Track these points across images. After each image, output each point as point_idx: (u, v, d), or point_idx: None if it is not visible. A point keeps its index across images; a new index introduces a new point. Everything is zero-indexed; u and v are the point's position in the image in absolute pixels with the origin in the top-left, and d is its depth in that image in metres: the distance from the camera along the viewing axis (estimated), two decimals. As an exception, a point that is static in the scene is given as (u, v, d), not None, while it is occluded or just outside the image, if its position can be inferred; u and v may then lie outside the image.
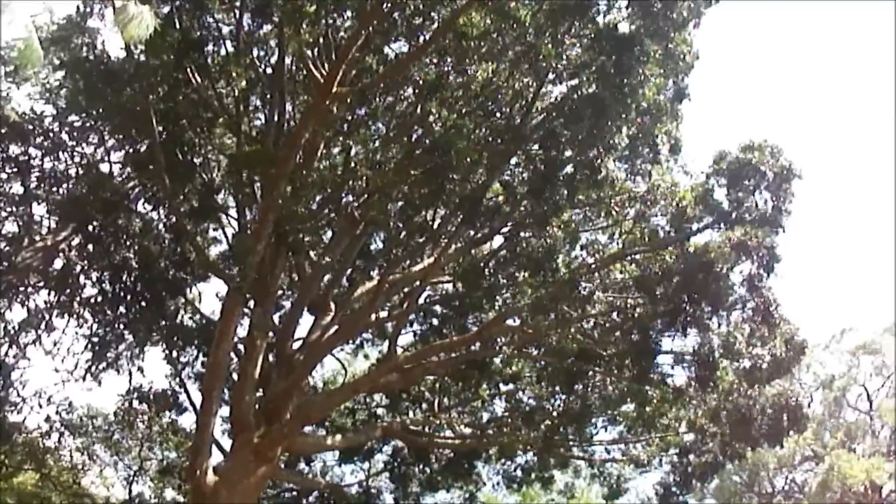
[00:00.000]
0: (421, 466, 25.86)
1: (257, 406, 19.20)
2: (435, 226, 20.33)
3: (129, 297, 21.18)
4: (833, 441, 43.96)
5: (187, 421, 25.33)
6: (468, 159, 17.19)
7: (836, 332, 47.10)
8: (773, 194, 18.42)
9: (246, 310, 20.03)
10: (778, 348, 18.71)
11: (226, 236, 22.09)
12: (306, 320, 21.40)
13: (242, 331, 20.21)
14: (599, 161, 18.03)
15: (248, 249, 17.69)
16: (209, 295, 24.47)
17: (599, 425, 23.23)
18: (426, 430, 24.11)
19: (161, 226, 21.69)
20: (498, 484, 26.34)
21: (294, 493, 26.53)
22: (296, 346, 20.92)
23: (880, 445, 44.69)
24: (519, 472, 25.22)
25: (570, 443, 23.36)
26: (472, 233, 20.35)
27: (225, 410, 21.77)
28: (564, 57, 18.26)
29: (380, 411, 26.14)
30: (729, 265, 18.20)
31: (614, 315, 19.58)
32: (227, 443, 20.16)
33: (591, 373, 20.61)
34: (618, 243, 20.06)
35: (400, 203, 19.66)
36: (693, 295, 18.16)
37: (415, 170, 18.05)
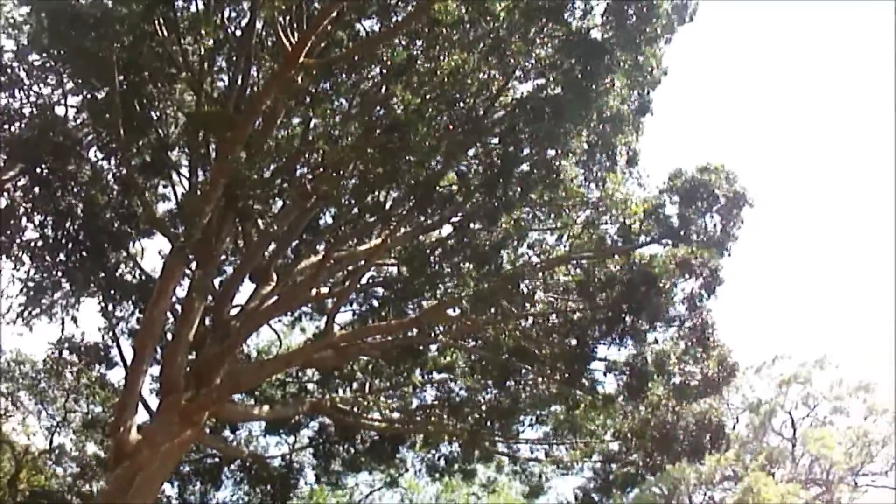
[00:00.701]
0: (345, 446, 25.86)
1: (188, 369, 19.01)
2: (386, 207, 20.26)
3: (70, 245, 20.81)
4: (754, 463, 44.64)
5: (116, 376, 25.10)
6: (426, 144, 17.18)
7: (768, 358, 47.94)
8: (722, 217, 18.62)
9: (187, 271, 19.83)
10: (710, 368, 18.96)
11: (175, 194, 21.82)
12: (247, 288, 21.28)
13: (181, 291, 20.03)
14: (556, 162, 18.14)
15: (195, 210, 17.53)
16: (152, 252, 24.16)
17: (527, 423, 23.38)
18: (354, 409, 24.05)
19: (111, 176, 21.35)
20: (420, 471, 26.42)
21: (216, 459, 26.39)
22: (233, 312, 20.73)
23: (798, 473, 45.51)
24: (442, 462, 25.30)
25: (496, 438, 23.48)
26: (421, 218, 20.31)
27: (156, 370, 21.56)
28: (534, 55, 18.30)
29: (310, 386, 26.05)
30: (672, 282, 18.39)
31: (553, 316, 19.70)
32: (154, 403, 19.97)
33: (523, 371, 20.72)
34: (565, 246, 20.19)
35: (353, 181, 19.59)
36: (633, 306, 18.30)
37: (372, 149, 17.96)
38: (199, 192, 19.04)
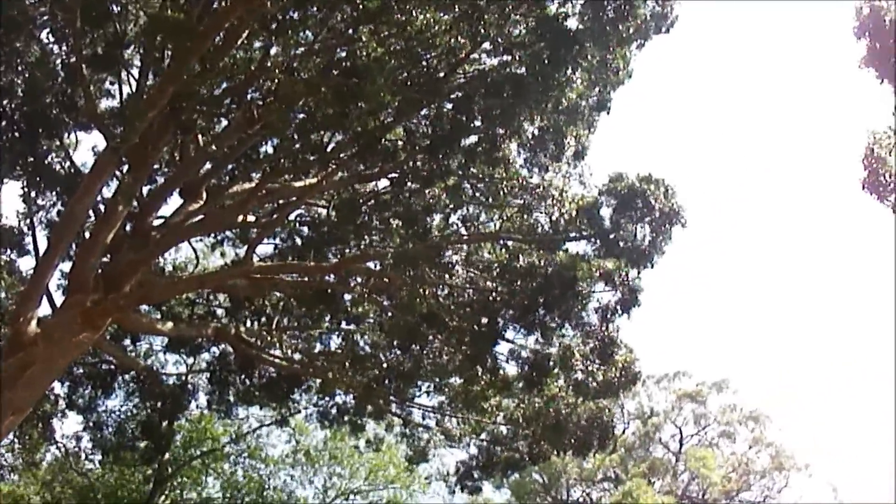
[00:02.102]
0: (242, 377, 25.70)
1: (100, 271, 18.70)
2: (328, 149, 20.10)
3: (3, 123, 20.34)
4: (635, 470, 45.59)
5: (26, 265, 24.58)
6: (381, 96, 17.03)
7: (671, 371, 48.88)
8: (654, 230, 18.79)
9: (118, 173, 19.50)
10: (612, 372, 19.22)
11: (120, 93, 21.32)
12: (174, 202, 21.01)
13: (108, 192, 19.69)
14: (504, 141, 18.11)
15: (138, 113, 17.14)
16: (86, 146, 23.65)
17: (423, 390, 23.43)
18: (258, 343, 23.93)
19: (59, 62, 20.85)
20: (312, 416, 26.42)
21: (111, 367, 26.07)
22: (156, 223, 20.46)
23: (677, 487, 46.58)
24: (335, 411, 25.33)
25: (391, 397, 23.52)
26: (361, 168, 20.21)
27: (67, 267, 21.16)
28: (505, 31, 18.20)
29: (219, 312, 25.81)
30: (591, 289, 18.57)
31: (470, 291, 19.78)
32: (60, 300, 19.62)
33: (430, 338, 20.78)
34: (496, 225, 20.23)
35: (302, 116, 19.38)
36: (548, 301, 18.45)
37: (327, 89, 17.75)
38: (145, 96, 18.64)
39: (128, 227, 19.80)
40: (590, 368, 19.03)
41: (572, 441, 21.01)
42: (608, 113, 20.09)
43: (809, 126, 71.61)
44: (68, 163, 21.78)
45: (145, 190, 21.61)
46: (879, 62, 19.37)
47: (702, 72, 71.09)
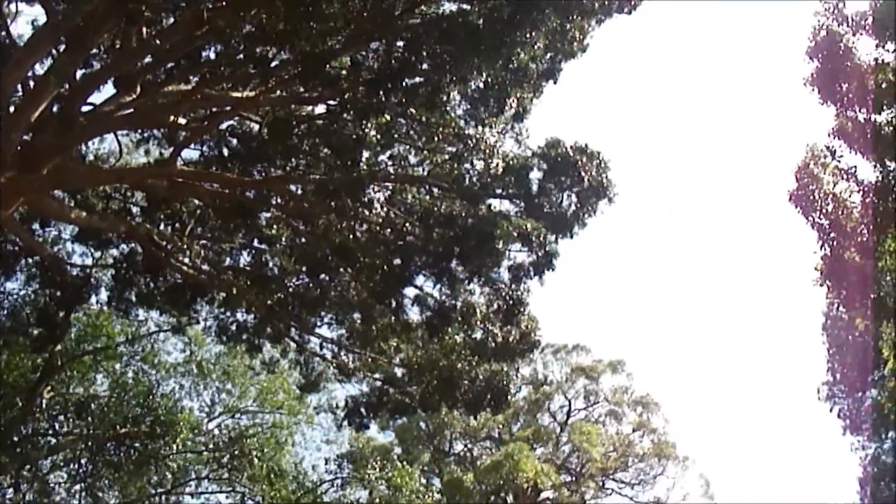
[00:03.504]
0: (147, 279, 25.35)
1: (19, 149, 18.23)
2: (271, 65, 19.80)
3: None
4: (520, 434, 46.39)
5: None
6: (336, 20, 16.81)
7: (570, 344, 49.65)
8: (580, 201, 18.96)
9: (53, 51, 18.98)
10: (513, 335, 19.42)
11: (68, -31, 20.72)
12: (107, 92, 20.51)
13: (40, 69, 19.13)
14: (447, 88, 18.02)
15: (85, -7, 16.70)
16: (25, 18, 22.83)
17: (325, 320, 23.43)
18: (168, 247, 23.62)
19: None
20: (210, 328, 26.19)
21: (16, 248, 25.50)
22: (84, 109, 19.99)
23: (557, 457, 47.54)
24: (234, 327, 25.13)
25: (292, 323, 23.48)
26: (301, 89, 19.96)
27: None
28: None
29: (134, 210, 25.39)
30: (507, 248, 18.69)
31: (387, 230, 19.77)
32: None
33: (340, 270, 20.75)
34: (424, 169, 20.19)
35: (250, 27, 19.03)
36: (462, 253, 18.54)
37: (281, 3, 17.43)
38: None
39: (54, 109, 19.28)
40: (491, 328, 19.20)
41: (465, 397, 21.22)
42: (556, 82, 20.08)
43: (749, 132, 72.77)
44: (4, 32, 21.07)
45: (79, 74, 21.10)
46: (825, 85, 19.74)
47: (654, 61, 71.65)
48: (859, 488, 43.52)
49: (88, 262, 26.96)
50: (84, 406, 28.72)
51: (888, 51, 18.76)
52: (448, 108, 18.55)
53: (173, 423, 28.73)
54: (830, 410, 44.71)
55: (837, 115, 20.18)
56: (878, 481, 42.71)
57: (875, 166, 20.49)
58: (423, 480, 29.80)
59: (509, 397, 22.49)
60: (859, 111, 19.93)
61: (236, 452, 29.74)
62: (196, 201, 22.96)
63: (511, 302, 19.17)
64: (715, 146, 74.90)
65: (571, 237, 19.08)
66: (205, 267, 23.79)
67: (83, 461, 29.59)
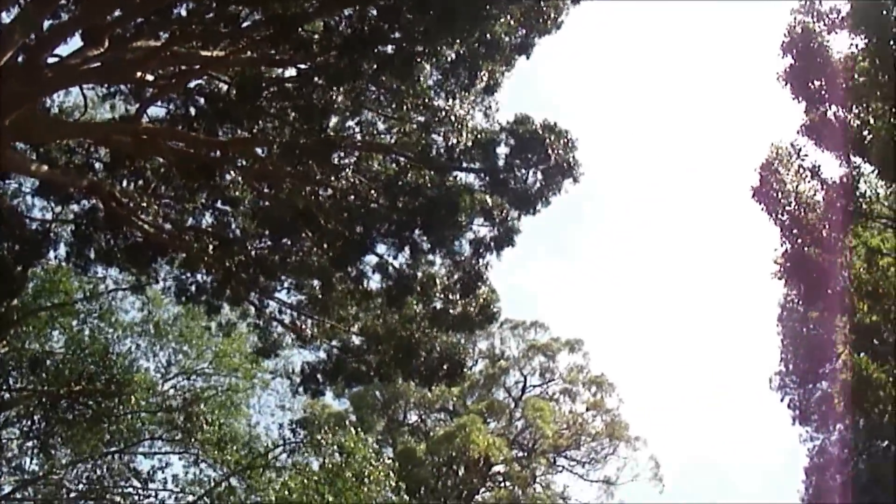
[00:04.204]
0: (107, 236, 25.12)
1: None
2: (243, 25, 19.64)
3: None
4: (474, 407, 46.68)
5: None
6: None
7: (528, 320, 49.95)
8: (546, 178, 19.03)
9: (21, 0, 18.70)
10: (472, 307, 19.51)
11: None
12: (74, 44, 20.24)
13: (6, 18, 18.84)
14: (419, 58, 17.98)
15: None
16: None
17: (284, 285, 23.38)
18: (130, 205, 23.41)
19: None
20: (169, 288, 26.01)
21: (-27, 197, 25.19)
22: (51, 61, 19.73)
23: (510, 432, 47.92)
24: (193, 288, 24.99)
25: (251, 286, 23.42)
26: (272, 52, 19.83)
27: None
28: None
29: (97, 165, 25.12)
30: (469, 221, 18.75)
31: (352, 197, 19.74)
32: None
33: (302, 235, 20.70)
34: (391, 138, 20.15)
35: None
36: (424, 224, 18.58)
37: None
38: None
39: (20, 59, 19.00)
40: (450, 298, 19.28)
41: (421, 368, 21.30)
42: (528, 57, 20.09)
43: (718, 124, 73.32)
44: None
45: (46, 24, 20.81)
46: (798, 81, 19.95)
47: (627, 47, 71.86)
48: (805, 478, 44.40)
49: (48, 216, 26.65)
50: (39, 362, 28.52)
51: (862, 47, 18.92)
52: (419, 78, 18.47)
53: (128, 383, 28.65)
54: (781, 400, 45.57)
55: (808, 111, 20.42)
56: (823, 471, 43.55)
57: (840, 163, 20.80)
58: (376, 446, 29.82)
59: (465, 369, 22.62)
60: (830, 107, 20.18)
61: (190, 414, 29.66)
62: (160, 159, 22.74)
63: (471, 274, 19.26)
64: (683, 137, 75.44)
65: (534, 214, 19.18)
66: (166, 226, 23.65)
67: (36, 418, 29.45)
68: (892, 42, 17.79)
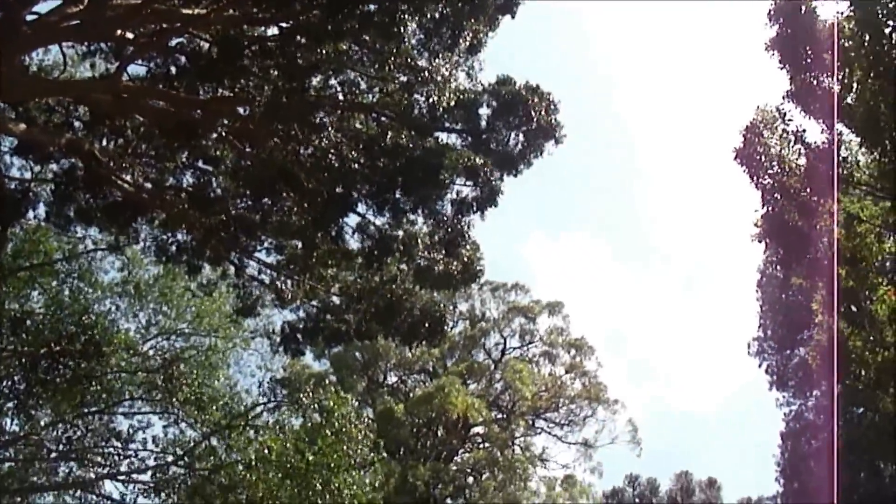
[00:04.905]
0: (87, 195, 24.96)
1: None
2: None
3: None
4: (454, 368, 46.92)
5: None
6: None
7: (510, 282, 50.14)
8: (527, 139, 19.05)
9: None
10: (454, 266, 19.56)
11: None
12: (54, 1, 20.02)
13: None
14: (403, 17, 17.89)
15: None
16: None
17: (265, 245, 23.30)
18: (110, 164, 23.25)
19: None
20: (149, 248, 25.89)
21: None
22: (29, 18, 19.52)
23: (489, 393, 48.21)
24: (174, 248, 24.89)
25: (232, 246, 23.34)
26: (253, 10, 19.67)
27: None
28: None
29: (76, 124, 24.91)
30: (452, 180, 18.75)
31: (333, 157, 19.69)
32: None
33: (283, 195, 20.65)
34: (374, 98, 20.07)
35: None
36: (406, 184, 18.57)
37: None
38: None
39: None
40: (433, 256, 19.32)
41: (403, 326, 21.35)
42: (513, 17, 20.00)
43: (705, 87, 73.34)
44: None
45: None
46: (785, 48, 19.94)
47: (614, 8, 71.61)
48: (781, 442, 44.98)
49: (27, 176, 26.47)
50: (18, 322, 28.39)
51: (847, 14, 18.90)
52: (402, 38, 18.37)
53: (108, 343, 28.57)
54: (759, 366, 46.07)
55: (794, 78, 20.44)
56: (799, 436, 44.14)
57: (823, 130, 20.86)
58: (356, 404, 29.94)
59: (446, 328, 22.72)
60: (816, 75, 20.21)
61: (170, 374, 29.67)
62: (140, 118, 22.59)
63: (453, 233, 19.30)
64: (668, 101, 75.44)
65: (516, 175, 19.22)
66: (147, 185, 23.52)
67: (16, 378, 29.32)
68: (877, 9, 17.78)
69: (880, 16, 17.74)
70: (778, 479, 45.85)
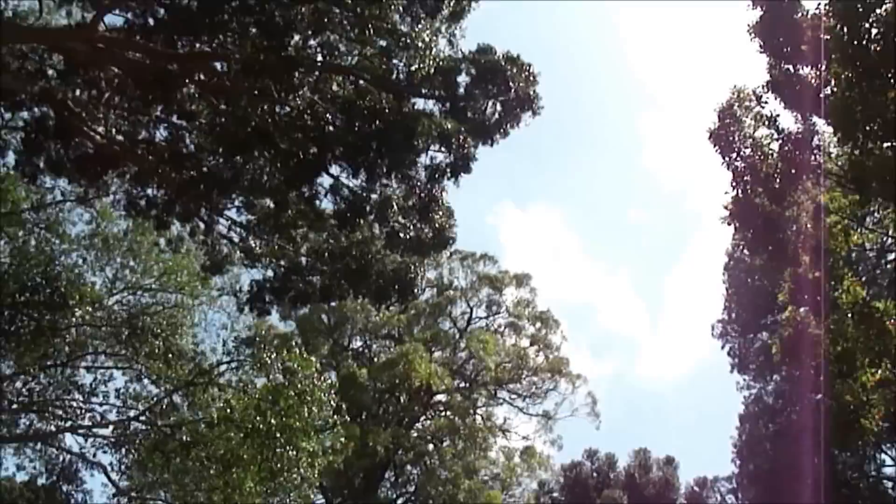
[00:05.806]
0: (58, 146, 24.70)
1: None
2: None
3: None
4: (419, 335, 47.04)
5: None
6: None
7: (479, 251, 50.28)
8: (505, 109, 19.08)
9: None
10: (427, 231, 19.60)
11: None
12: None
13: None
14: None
15: None
16: None
17: (236, 204, 23.20)
18: (83, 114, 22.99)
19: None
20: (119, 202, 25.74)
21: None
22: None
23: (453, 362, 48.45)
24: (143, 202, 24.73)
25: (202, 203, 23.19)
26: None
27: None
28: None
29: (50, 73, 24.60)
30: (427, 144, 18.75)
31: (308, 117, 19.59)
32: None
33: (256, 153, 20.54)
34: (352, 60, 19.98)
35: None
36: (381, 148, 18.56)
37: None
38: None
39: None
40: (406, 221, 19.34)
41: (373, 286, 21.38)
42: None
43: (684, 65, 73.44)
44: None
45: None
46: (766, 34, 20.01)
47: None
48: (739, 424, 45.61)
49: (-1, 124, 26.18)
50: (-19, 271, 28.17)
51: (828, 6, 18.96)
52: (384, 1, 18.29)
53: (73, 296, 28.38)
54: (722, 347, 46.61)
55: (772, 65, 20.53)
56: (757, 419, 44.79)
57: (797, 119, 20.99)
58: (319, 366, 29.96)
59: (416, 290, 22.74)
60: (794, 64, 20.31)
61: (135, 329, 29.58)
62: (116, 69, 22.33)
63: (427, 198, 19.32)
64: (647, 79, 75.52)
65: (492, 145, 19.26)
66: (119, 138, 23.29)
67: (-22, 328, 29.13)
68: (857, 4, 17.85)
69: (860, 10, 17.81)
70: (734, 459, 46.61)
